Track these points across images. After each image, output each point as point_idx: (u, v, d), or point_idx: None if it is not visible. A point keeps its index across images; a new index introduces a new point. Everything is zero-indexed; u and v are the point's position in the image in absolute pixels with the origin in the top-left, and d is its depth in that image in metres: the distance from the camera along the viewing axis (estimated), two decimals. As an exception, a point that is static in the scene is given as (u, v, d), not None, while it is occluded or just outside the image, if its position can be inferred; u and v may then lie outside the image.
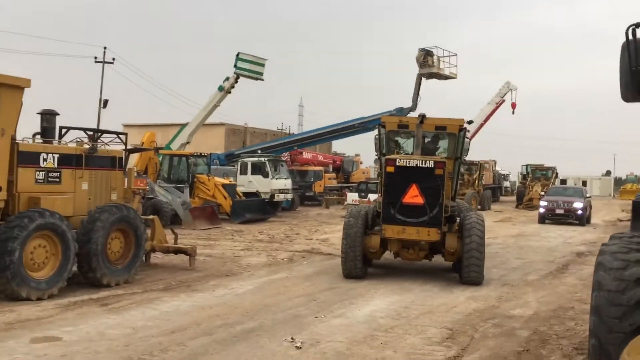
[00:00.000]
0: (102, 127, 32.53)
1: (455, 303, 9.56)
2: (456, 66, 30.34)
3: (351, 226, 11.26)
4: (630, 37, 3.69)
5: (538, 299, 10.22)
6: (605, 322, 4.60)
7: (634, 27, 3.64)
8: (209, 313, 8.41)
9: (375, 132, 12.96)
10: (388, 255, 12.42)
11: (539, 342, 7.42)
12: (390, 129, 12.79)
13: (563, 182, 50.16)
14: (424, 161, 11.03)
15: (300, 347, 6.88)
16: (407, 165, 11.00)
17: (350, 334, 7.53)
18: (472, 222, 11.19)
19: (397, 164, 11.04)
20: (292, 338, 7.20)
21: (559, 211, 26.43)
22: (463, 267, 11.05)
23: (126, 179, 11.68)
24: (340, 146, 59.09)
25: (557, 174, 45.85)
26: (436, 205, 10.90)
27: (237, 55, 28.15)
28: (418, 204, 10.90)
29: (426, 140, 13.02)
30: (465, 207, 17.19)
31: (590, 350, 4.83)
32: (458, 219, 11.95)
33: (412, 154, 11.93)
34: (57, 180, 9.92)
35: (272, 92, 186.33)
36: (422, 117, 11.86)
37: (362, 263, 11.32)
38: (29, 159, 9.44)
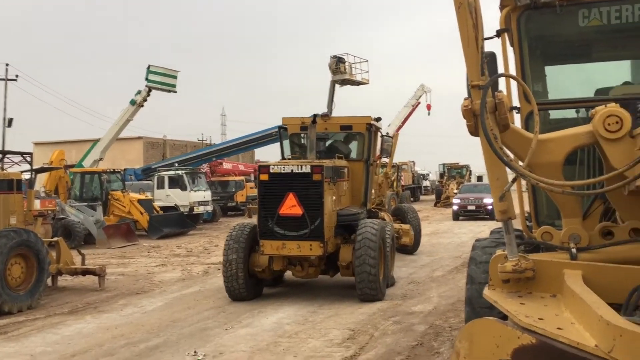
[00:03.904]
0: (9, 148, 31.33)
1: (361, 304, 9.88)
2: (367, 72, 31.09)
3: (230, 244, 10.29)
4: None
5: (440, 293, 10.74)
6: (477, 312, 4.96)
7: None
8: (114, 333, 8.34)
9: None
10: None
11: (433, 335, 7.85)
12: (293, 131, 12.15)
13: (479, 178, 52.18)
14: (300, 166, 10.06)
15: (202, 360, 6.99)
16: (282, 171, 10.05)
17: (254, 343, 7.68)
18: (364, 232, 10.00)
19: (271, 171, 10.12)
20: (194, 352, 7.28)
21: (471, 207, 27.66)
22: (356, 283, 10.00)
23: (26, 202, 11.33)
24: (264, 154, 59.24)
25: (470, 171, 47.79)
26: (318, 216, 9.85)
27: (148, 68, 27.82)
28: (296, 214, 9.89)
29: (330, 142, 12.35)
30: (409, 209, 17.26)
31: (466, 339, 5.20)
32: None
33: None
34: (-51, 207, 9.56)
35: (195, 103, 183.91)
36: (315, 116, 11.16)
37: (247, 284, 10.25)
38: None
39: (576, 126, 3.52)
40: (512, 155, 3.44)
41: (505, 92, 4.07)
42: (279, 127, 12.43)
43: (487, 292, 3.43)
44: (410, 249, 16.03)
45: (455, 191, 36.56)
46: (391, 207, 18.98)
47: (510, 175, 3.37)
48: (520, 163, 3.38)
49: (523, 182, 4.69)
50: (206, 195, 27.83)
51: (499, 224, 3.48)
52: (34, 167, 15.96)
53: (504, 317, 3.29)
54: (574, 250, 3.45)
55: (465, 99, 3.28)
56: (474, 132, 3.29)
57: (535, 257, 3.35)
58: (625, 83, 4.79)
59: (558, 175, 3.36)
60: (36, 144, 47.79)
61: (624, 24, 4.31)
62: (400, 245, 15.11)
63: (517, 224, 5.73)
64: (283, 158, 12.08)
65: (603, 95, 4.71)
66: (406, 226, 15.74)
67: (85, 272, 11.91)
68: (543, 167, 3.35)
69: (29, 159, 15.85)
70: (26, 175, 15.26)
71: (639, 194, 3.19)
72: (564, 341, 2.42)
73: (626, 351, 2.18)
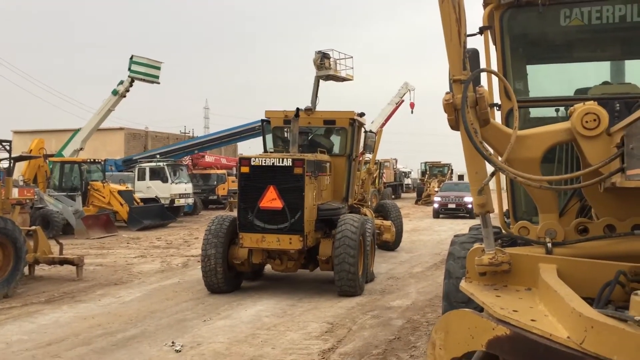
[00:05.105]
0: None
1: (340, 298, 9.92)
2: (352, 68, 31.08)
3: (209, 238, 10.18)
4: None
5: (418, 289, 10.83)
6: (454, 306, 5.01)
7: None
8: (90, 323, 8.29)
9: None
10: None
11: (410, 330, 7.91)
12: (276, 125, 12.14)
13: (460, 177, 52.48)
14: (281, 159, 10.01)
15: (180, 351, 6.96)
16: (263, 164, 9.98)
17: (232, 334, 7.68)
18: (343, 229, 9.98)
19: (252, 163, 10.05)
20: (172, 342, 7.25)
21: (451, 206, 27.87)
22: (335, 280, 10.00)
23: (3, 190, 11.18)
24: (247, 147, 59.03)
25: (452, 170, 48.11)
26: (298, 209, 9.82)
27: (131, 58, 27.55)
28: (276, 208, 9.85)
29: (312, 137, 12.29)
30: (392, 206, 17.30)
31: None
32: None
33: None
34: None
35: (178, 95, 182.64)
36: (298, 110, 11.12)
37: (226, 277, 10.19)
38: None
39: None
40: (491, 150, 3.48)
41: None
42: (262, 121, 12.34)
43: (463, 285, 3.47)
44: (391, 246, 16.08)
45: (436, 189, 36.82)
46: (372, 204, 19.00)
47: (490, 169, 3.41)
48: (500, 158, 3.42)
49: (502, 180, 4.74)
50: (187, 187, 27.70)
51: (478, 221, 3.52)
52: (13, 156, 15.73)
53: (481, 310, 3.33)
54: (549, 244, 3.51)
55: (447, 93, 3.31)
56: (454, 126, 3.32)
57: (512, 250, 3.39)
58: (604, 83, 4.86)
59: (536, 171, 3.40)
60: (15, 132, 47.16)
61: (605, 25, 4.37)
62: (381, 241, 15.16)
63: (495, 222, 5.79)
64: (265, 151, 12.02)
65: (582, 94, 4.78)
66: (387, 222, 15.78)
67: (63, 261, 11.80)
68: (521, 163, 3.40)
69: (7, 147, 15.61)
70: (4, 164, 15.05)
71: (614, 190, 3.24)
72: (537, 332, 2.46)
73: (597, 342, 2.22)
